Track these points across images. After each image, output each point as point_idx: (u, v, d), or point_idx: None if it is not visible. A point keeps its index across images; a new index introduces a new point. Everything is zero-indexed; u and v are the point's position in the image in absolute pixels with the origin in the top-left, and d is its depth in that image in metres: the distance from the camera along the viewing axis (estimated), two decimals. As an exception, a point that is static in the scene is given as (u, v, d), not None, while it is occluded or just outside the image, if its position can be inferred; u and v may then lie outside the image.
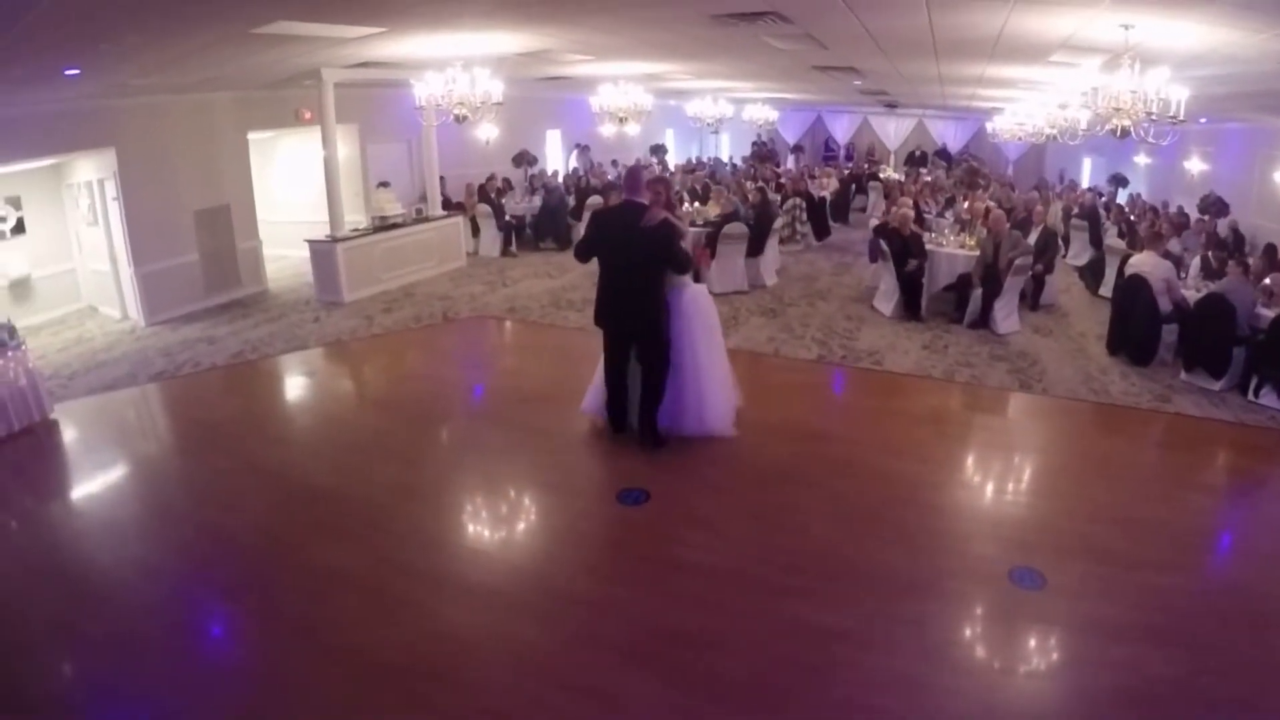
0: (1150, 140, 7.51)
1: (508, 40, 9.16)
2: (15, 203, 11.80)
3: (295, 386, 9.10)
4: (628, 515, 5.49)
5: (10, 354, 7.30)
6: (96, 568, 5.05)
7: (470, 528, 5.56)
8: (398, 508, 5.68)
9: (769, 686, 3.82)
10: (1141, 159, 20.50)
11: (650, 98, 14.59)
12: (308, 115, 13.33)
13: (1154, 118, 7.14)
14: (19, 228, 11.87)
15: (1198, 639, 4.20)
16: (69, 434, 7.44)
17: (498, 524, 5.58)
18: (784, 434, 6.85)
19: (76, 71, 7.92)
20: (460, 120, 9.37)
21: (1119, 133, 7.31)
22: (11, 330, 7.58)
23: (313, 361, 9.60)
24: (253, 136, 13.29)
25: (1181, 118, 7.14)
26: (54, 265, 12.39)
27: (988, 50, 9.22)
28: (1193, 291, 9.52)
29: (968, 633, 4.35)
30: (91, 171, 11.59)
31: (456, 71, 9.03)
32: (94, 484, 6.45)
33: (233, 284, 12.77)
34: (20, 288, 11.76)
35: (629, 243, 6.09)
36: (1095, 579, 4.73)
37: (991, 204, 13.09)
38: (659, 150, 24.97)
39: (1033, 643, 4.21)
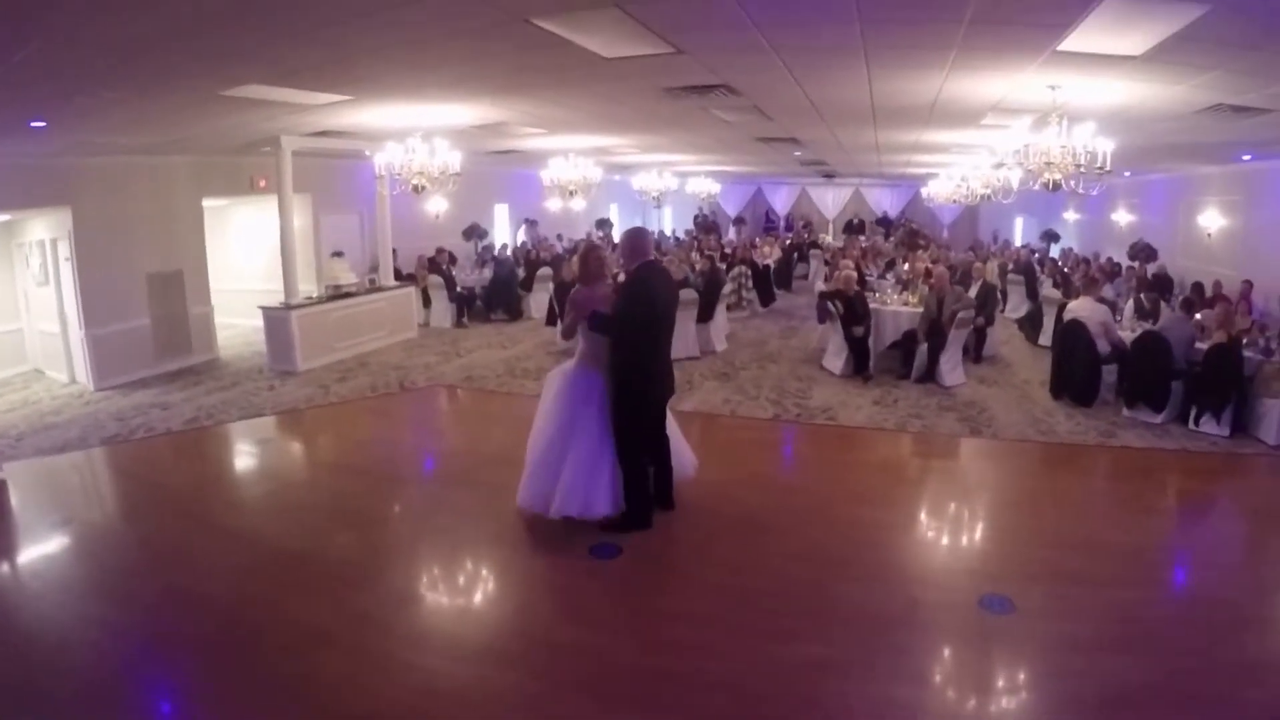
0: (1080, 191, 7.95)
1: (465, 112, 9.41)
2: None
3: (254, 452, 9.00)
4: (601, 568, 5.51)
5: None
6: (55, 626, 4.91)
7: (446, 583, 5.53)
8: (371, 567, 5.62)
9: (759, 717, 3.91)
10: (1071, 215, 21.56)
11: (599, 171, 14.98)
12: (263, 183, 13.45)
13: (1082, 169, 7.62)
14: None
15: (1169, 645, 4.45)
16: (19, 494, 7.28)
17: (473, 579, 5.56)
18: (750, 487, 6.99)
19: (43, 124, 7.97)
20: (418, 190, 9.60)
21: (1051, 185, 7.76)
22: None
23: (270, 428, 9.54)
24: (207, 204, 13.33)
25: (1108, 168, 7.67)
26: (0, 324, 12.29)
27: (924, 116, 9.70)
28: (1128, 332, 10.08)
29: (946, 656, 4.49)
30: (44, 230, 11.56)
31: (416, 142, 9.30)
32: (48, 544, 6.26)
33: (184, 350, 12.68)
34: None
35: (670, 303, 6.16)
36: (1062, 599, 4.94)
37: (932, 264, 13.58)
38: (604, 224, 25.49)
39: (1010, 661, 4.37)
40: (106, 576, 5.68)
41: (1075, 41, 5.63)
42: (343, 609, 5.00)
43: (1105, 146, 7.58)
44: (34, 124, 7.93)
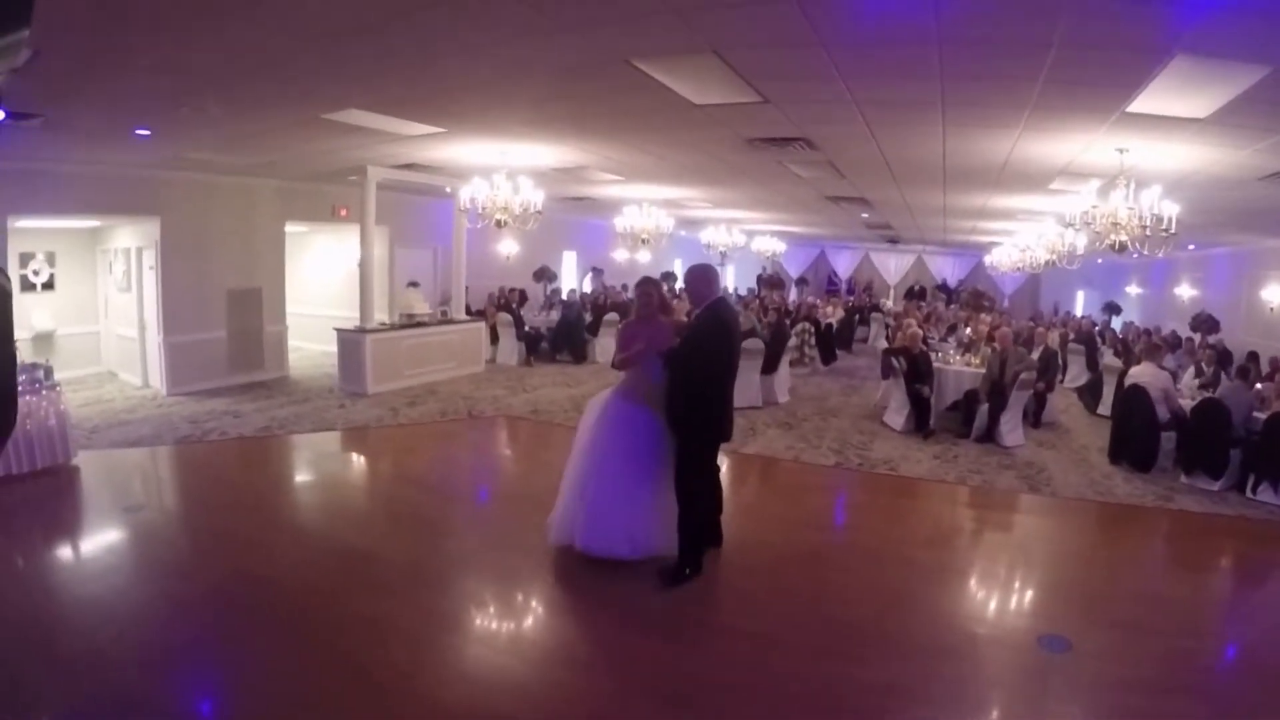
0: (1146, 254, 8.09)
1: (548, 153, 9.85)
2: (50, 259, 12.44)
3: (325, 460, 9.29)
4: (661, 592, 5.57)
5: (44, 392, 7.60)
6: (126, 600, 5.15)
7: (513, 589, 5.65)
8: (439, 570, 5.86)
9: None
10: (1133, 288, 21.46)
11: (671, 221, 15.37)
12: (343, 212, 14.02)
13: (1149, 233, 7.78)
14: (49, 284, 12.48)
15: (1228, 693, 4.54)
16: (93, 481, 7.65)
17: (541, 587, 5.67)
18: (813, 527, 7.17)
19: (147, 133, 8.42)
20: (501, 225, 10.03)
21: (1117, 247, 7.91)
22: (49, 370, 7.91)
23: (342, 442, 9.86)
24: (287, 228, 13.87)
25: (1174, 231, 7.81)
26: (78, 325, 12.93)
27: (994, 177, 9.94)
28: (1188, 400, 10.06)
29: (1005, 688, 4.58)
30: (131, 239, 12.16)
31: (501, 178, 9.74)
32: (121, 526, 6.53)
33: (256, 365, 13.18)
34: (43, 342, 12.19)
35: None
36: (1121, 644, 4.99)
37: (995, 326, 13.71)
38: (668, 278, 25.84)
39: (1068, 697, 4.44)
40: (177, 557, 5.99)
41: (1144, 103, 5.87)
42: (409, 604, 5.20)
43: (1171, 210, 7.74)
44: (139, 131, 8.38)
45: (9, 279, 2.69)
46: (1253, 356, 11.64)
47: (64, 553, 6.11)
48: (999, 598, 5.94)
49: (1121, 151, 7.50)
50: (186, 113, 7.40)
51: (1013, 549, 7.05)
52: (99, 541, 6.34)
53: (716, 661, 4.66)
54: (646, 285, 6.17)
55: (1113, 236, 7.88)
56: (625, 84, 6.16)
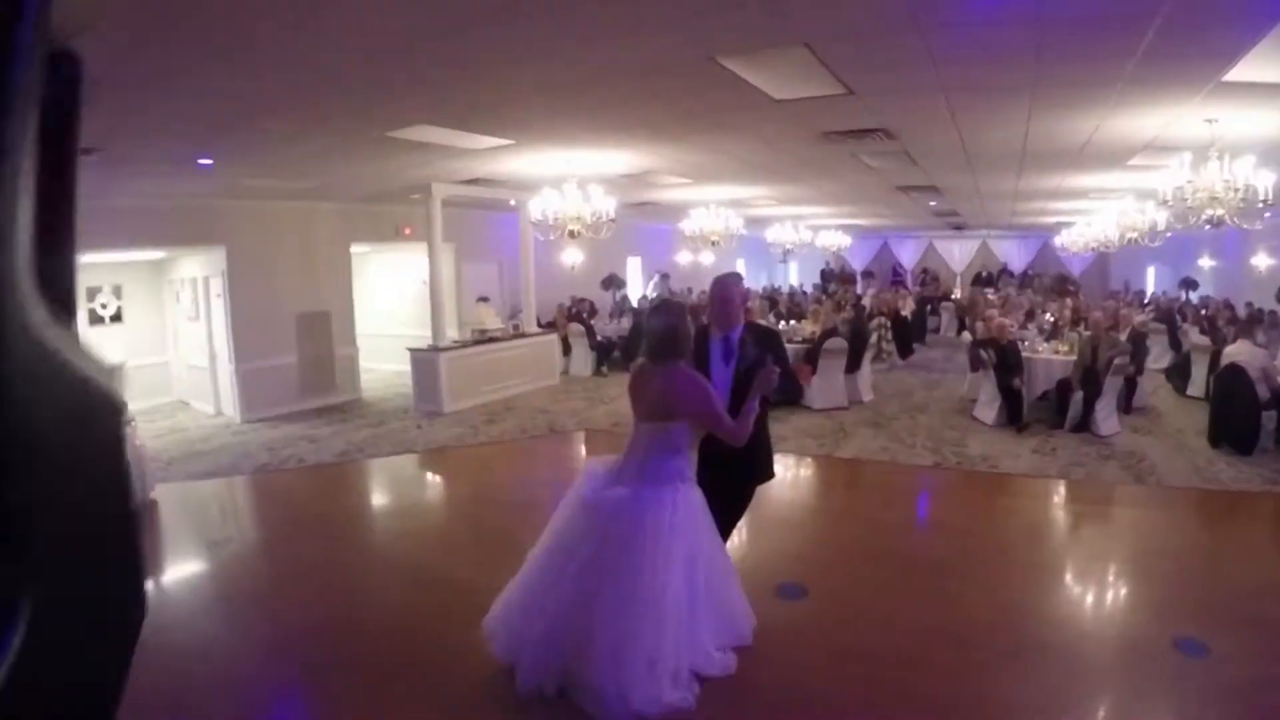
0: (1245, 226, 7.84)
1: (615, 160, 9.81)
2: (117, 292, 12.74)
3: (408, 484, 9.26)
4: (787, 607, 5.39)
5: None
6: (217, 644, 5.01)
7: None
8: None
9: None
10: (1206, 261, 20.83)
11: (740, 220, 15.31)
12: (408, 231, 14.13)
13: (1244, 204, 7.55)
14: (118, 316, 12.80)
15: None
16: (171, 515, 7.65)
17: None
18: (924, 531, 7.01)
19: (209, 162, 8.51)
20: (574, 235, 10.00)
21: (1215, 222, 7.67)
22: (123, 405, 7.98)
23: (423, 464, 9.80)
24: (352, 250, 14.00)
25: (1271, 201, 7.53)
26: (148, 356, 13.18)
27: (1073, 158, 9.71)
28: None
29: (1146, 700, 4.39)
30: (197, 268, 12.38)
31: (571, 188, 9.72)
32: (205, 564, 6.41)
33: (329, 389, 13.29)
34: (114, 375, 12.34)
35: None
36: (1258, 643, 4.77)
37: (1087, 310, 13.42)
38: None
39: (1211, 705, 4.23)
40: (266, 595, 5.79)
41: (1241, 71, 5.66)
42: None
43: (1267, 180, 7.48)
44: (201, 161, 8.48)
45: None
46: None
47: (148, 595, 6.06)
48: (1126, 598, 5.74)
49: (1210, 122, 7.26)
50: (246, 137, 7.42)
51: (1129, 545, 6.82)
52: (183, 581, 6.22)
53: (843, 681, 4.46)
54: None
55: (1209, 211, 7.63)
56: (705, 82, 6.07)
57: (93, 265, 11.88)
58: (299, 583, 6.00)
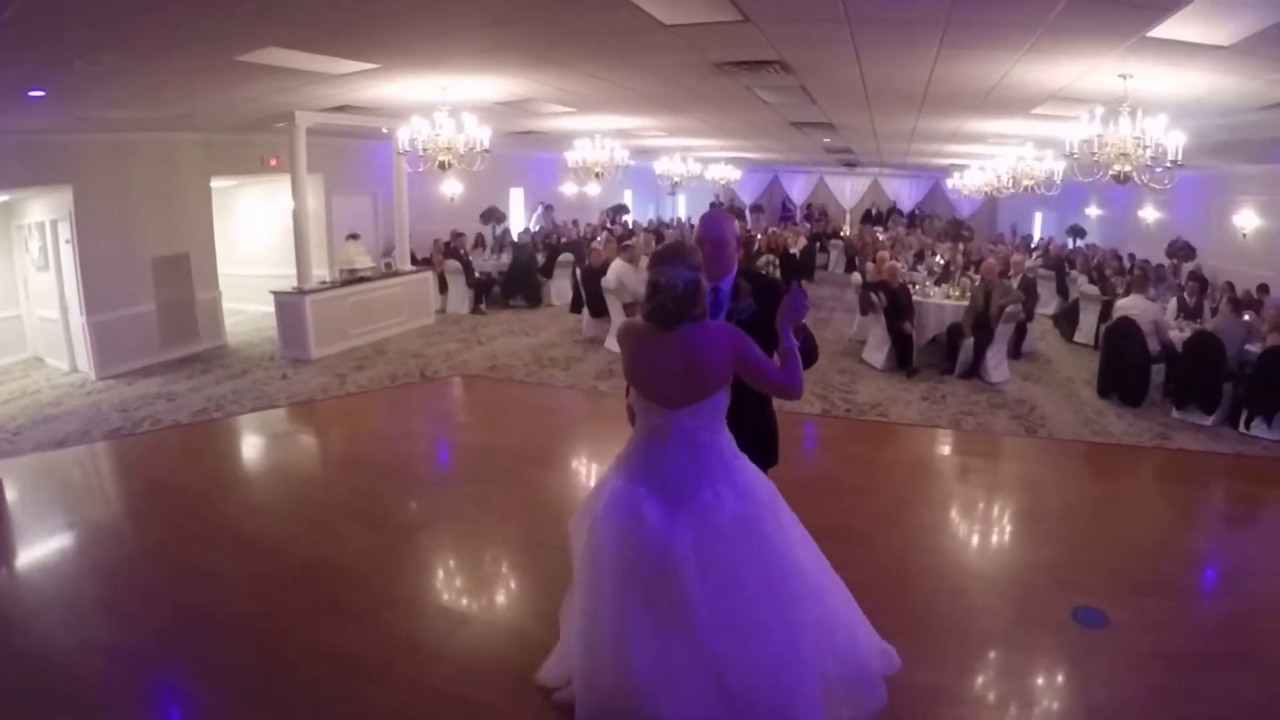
0: (1154, 185, 7.63)
1: (492, 86, 9.03)
2: None
3: (270, 447, 8.46)
4: None
5: None
6: (59, 652, 4.34)
7: (497, 599, 5.02)
8: (412, 584, 5.12)
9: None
10: (1093, 210, 21.13)
11: (626, 153, 14.62)
12: (274, 162, 12.98)
13: (1154, 164, 7.32)
14: None
15: (1274, 663, 4.21)
16: (14, 494, 6.87)
17: (524, 594, 5.01)
18: (821, 490, 6.53)
19: (41, 94, 7.53)
20: (444, 167, 9.21)
21: (1121, 178, 7.41)
22: None
23: (286, 421, 9.06)
24: (214, 184, 12.91)
25: (1180, 161, 7.32)
26: None
27: (977, 102, 9.30)
28: (1176, 332, 9.86)
29: (1048, 677, 4.21)
30: (44, 212, 11.15)
31: (443, 117, 8.90)
32: (46, 553, 5.71)
33: (191, 337, 12.26)
34: None
35: None
36: (1156, 612, 4.67)
37: (971, 256, 13.30)
38: (620, 210, 25.03)
39: (1112, 680, 4.07)
40: (114, 593, 5.09)
41: (1168, 28, 5.29)
42: (383, 633, 4.45)
43: (1177, 140, 7.24)
44: (32, 93, 7.47)
45: None
46: (1263, 289, 11.61)
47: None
48: (1024, 567, 5.53)
49: (1124, 78, 6.89)
50: (82, 66, 6.44)
51: (1023, 504, 6.67)
52: (21, 576, 5.44)
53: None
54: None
55: (1117, 167, 7.35)
56: (590, 3, 5.41)
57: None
58: (147, 577, 5.25)
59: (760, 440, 3.72)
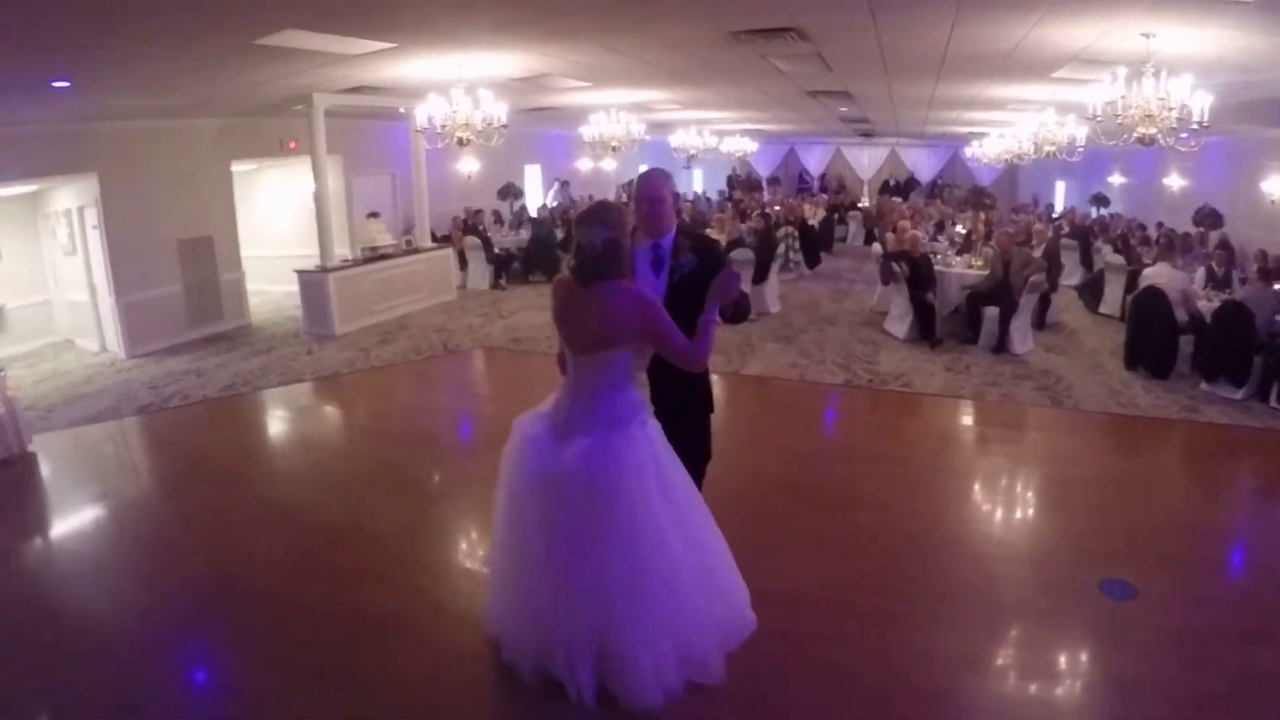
0: (1180, 149, 7.49)
1: (507, 62, 9.00)
2: None
3: (297, 420, 8.59)
4: None
5: None
6: (92, 616, 4.50)
7: None
8: (438, 549, 5.26)
9: (886, 713, 3.57)
10: (1116, 178, 20.76)
11: (643, 126, 14.57)
12: (293, 144, 13.08)
13: (1180, 126, 7.16)
14: None
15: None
16: (51, 468, 6.94)
17: None
18: (836, 457, 6.59)
19: (66, 84, 7.62)
20: (463, 143, 9.23)
21: (1146, 140, 7.28)
22: None
23: (312, 395, 9.17)
24: (235, 168, 13.05)
25: (1207, 123, 7.17)
26: (28, 296, 12.25)
27: (996, 66, 9.18)
28: (1204, 302, 9.62)
29: (1074, 649, 4.14)
30: (71, 199, 11.37)
31: (459, 94, 8.90)
32: (83, 523, 5.88)
33: (215, 317, 12.46)
34: None
35: None
36: (1185, 585, 4.62)
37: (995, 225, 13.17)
38: (630, 188, 24.91)
39: (1140, 652, 4.01)
40: (146, 559, 5.23)
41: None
42: (410, 597, 4.54)
43: (1204, 101, 7.06)
44: (56, 84, 7.59)
45: None
46: (1262, 256, 11.31)
47: (22, 559, 5.35)
48: (1050, 537, 5.44)
49: (1147, 37, 6.76)
50: (105, 54, 6.53)
51: (1049, 475, 6.59)
52: (57, 544, 5.63)
53: (759, 638, 3.79)
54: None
55: (1141, 129, 7.20)
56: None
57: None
58: (179, 542, 5.38)
59: (703, 382, 4.04)
